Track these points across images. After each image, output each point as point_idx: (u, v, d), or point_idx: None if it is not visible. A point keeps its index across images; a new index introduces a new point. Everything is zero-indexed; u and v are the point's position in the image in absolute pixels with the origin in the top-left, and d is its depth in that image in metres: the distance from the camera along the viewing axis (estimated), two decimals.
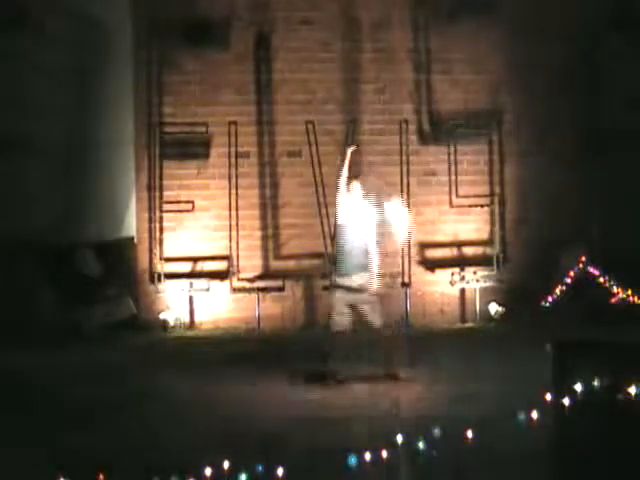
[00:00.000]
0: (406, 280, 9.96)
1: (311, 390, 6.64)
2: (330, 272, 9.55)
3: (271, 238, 10.08)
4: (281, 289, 9.72)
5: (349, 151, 7.03)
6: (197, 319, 9.97)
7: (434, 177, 10.25)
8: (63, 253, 9.43)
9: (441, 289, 10.10)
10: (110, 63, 10.42)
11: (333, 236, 9.73)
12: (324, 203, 9.67)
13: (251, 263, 10.05)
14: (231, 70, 10.15)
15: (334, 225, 9.56)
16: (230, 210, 9.88)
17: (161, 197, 9.98)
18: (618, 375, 4.49)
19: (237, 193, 9.89)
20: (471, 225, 10.26)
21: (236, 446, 4.71)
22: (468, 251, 10.22)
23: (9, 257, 8.91)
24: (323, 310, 9.86)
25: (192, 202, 9.96)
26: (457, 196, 10.09)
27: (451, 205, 10.13)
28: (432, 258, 10.20)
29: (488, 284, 9.94)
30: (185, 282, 9.86)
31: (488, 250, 10.17)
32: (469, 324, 9.92)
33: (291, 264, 10.06)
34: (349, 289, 6.76)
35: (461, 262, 10.14)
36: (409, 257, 9.98)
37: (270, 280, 9.94)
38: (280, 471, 3.96)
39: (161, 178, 9.99)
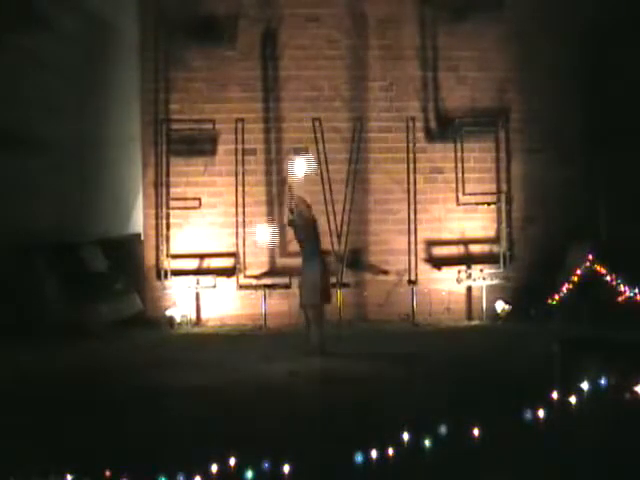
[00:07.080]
0: (412, 278, 9.96)
1: None
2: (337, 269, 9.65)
3: (278, 235, 10.08)
4: (287, 286, 9.71)
5: None
6: (203, 316, 9.99)
7: (441, 174, 10.24)
8: (70, 250, 9.44)
9: (448, 287, 10.09)
10: (117, 60, 10.44)
11: (340, 233, 9.79)
12: (330, 200, 9.68)
13: (257, 260, 10.07)
14: (238, 67, 10.16)
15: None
16: (237, 207, 9.90)
17: (168, 194, 10.01)
18: (625, 374, 4.49)
19: (244, 190, 9.91)
20: (478, 223, 10.25)
21: None
22: (475, 249, 10.21)
23: (16, 254, 8.92)
24: (329, 306, 9.88)
25: (199, 199, 10.00)
26: (464, 194, 10.08)
27: (458, 203, 10.12)
28: (439, 256, 10.19)
29: (495, 282, 9.93)
30: (192, 279, 9.89)
31: (495, 248, 10.16)
32: (475, 322, 9.91)
33: (297, 261, 10.03)
34: None
35: (468, 260, 10.13)
36: (416, 255, 10.00)
37: (276, 277, 9.96)
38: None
39: (168, 175, 10.02)
